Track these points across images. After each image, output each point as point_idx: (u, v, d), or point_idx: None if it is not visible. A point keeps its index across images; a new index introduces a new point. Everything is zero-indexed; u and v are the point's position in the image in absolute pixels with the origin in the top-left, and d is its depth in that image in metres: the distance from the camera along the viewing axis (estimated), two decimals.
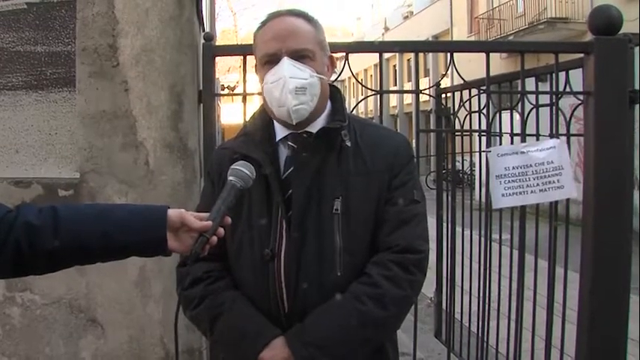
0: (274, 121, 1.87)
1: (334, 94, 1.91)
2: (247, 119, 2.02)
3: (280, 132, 1.86)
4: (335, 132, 1.80)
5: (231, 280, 1.85)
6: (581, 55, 2.86)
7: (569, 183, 2.80)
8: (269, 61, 1.79)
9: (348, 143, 1.81)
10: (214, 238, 1.56)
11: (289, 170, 1.81)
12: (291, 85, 1.73)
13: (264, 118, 1.88)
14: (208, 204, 1.84)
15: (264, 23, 1.84)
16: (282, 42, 1.76)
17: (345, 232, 1.76)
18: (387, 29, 41.03)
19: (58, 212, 1.49)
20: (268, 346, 1.71)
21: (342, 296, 1.73)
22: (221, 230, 1.58)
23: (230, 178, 1.63)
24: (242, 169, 1.64)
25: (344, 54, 2.84)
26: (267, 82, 1.79)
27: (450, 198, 4.27)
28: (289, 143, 1.85)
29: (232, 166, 1.65)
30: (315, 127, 1.83)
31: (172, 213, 1.54)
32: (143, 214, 1.55)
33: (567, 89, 2.91)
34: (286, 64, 1.75)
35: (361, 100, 3.36)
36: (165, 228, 1.52)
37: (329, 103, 1.90)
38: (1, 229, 1.43)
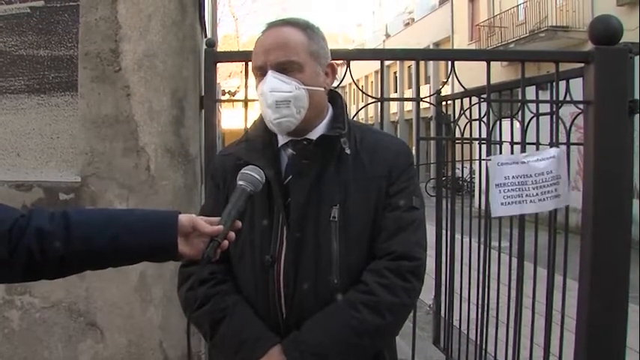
0: None
1: (335, 100, 1.92)
2: (249, 125, 2.02)
3: (281, 138, 1.87)
4: (334, 139, 1.80)
5: (233, 284, 1.85)
6: (582, 64, 2.87)
7: (565, 192, 2.82)
8: (258, 74, 1.81)
9: (348, 151, 1.80)
10: (225, 242, 1.56)
11: (290, 177, 1.82)
12: (270, 99, 1.74)
13: (266, 125, 1.89)
14: (212, 208, 1.86)
15: (261, 34, 1.85)
16: (267, 55, 1.77)
17: (342, 240, 1.76)
18: (388, 36, 41.09)
19: (69, 217, 1.49)
20: (266, 353, 1.72)
21: (338, 304, 1.74)
22: (232, 234, 1.58)
23: (240, 182, 1.64)
24: (252, 173, 1.65)
25: (345, 61, 2.85)
26: (257, 94, 1.82)
27: (449, 205, 4.28)
28: (290, 150, 1.85)
29: (242, 171, 1.66)
30: (315, 134, 1.83)
31: (183, 218, 1.54)
32: (154, 219, 1.55)
33: (567, 98, 2.92)
34: (268, 78, 1.76)
35: (362, 108, 3.37)
36: (176, 233, 1.52)
37: (330, 109, 1.90)
38: (13, 235, 1.43)
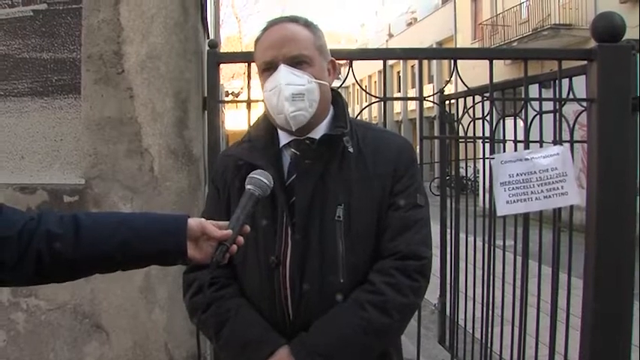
0: (277, 128, 1.87)
1: (336, 99, 1.92)
2: (251, 125, 2.02)
3: (283, 138, 1.87)
4: (337, 139, 1.80)
5: (237, 288, 1.85)
6: (585, 61, 2.86)
7: (573, 189, 2.81)
8: (267, 69, 1.80)
9: (351, 149, 1.80)
10: (234, 247, 1.56)
11: (292, 177, 1.81)
12: (287, 92, 1.74)
13: (268, 125, 1.88)
14: (214, 211, 1.86)
15: (263, 31, 1.85)
16: (278, 49, 1.77)
17: (347, 239, 1.76)
18: (391, 36, 41.14)
19: (79, 221, 1.48)
20: (273, 355, 1.71)
21: (346, 304, 1.73)
22: (240, 239, 1.58)
23: (248, 186, 1.63)
24: (260, 177, 1.64)
25: (348, 61, 2.85)
26: (266, 89, 1.80)
27: (453, 204, 4.27)
28: (292, 150, 1.85)
29: (250, 175, 1.65)
30: (317, 133, 1.83)
31: (192, 222, 1.54)
32: (163, 223, 1.54)
33: (571, 96, 2.92)
34: (282, 72, 1.75)
35: (365, 107, 3.37)
36: (185, 237, 1.52)
37: (332, 109, 1.90)
38: (23, 238, 1.43)
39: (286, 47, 1.77)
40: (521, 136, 3.11)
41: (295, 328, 1.76)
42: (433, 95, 3.79)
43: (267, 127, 1.88)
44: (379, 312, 1.70)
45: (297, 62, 1.77)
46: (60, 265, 1.47)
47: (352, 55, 2.91)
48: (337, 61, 1.96)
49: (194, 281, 1.85)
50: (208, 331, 1.84)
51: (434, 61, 28.04)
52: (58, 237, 1.45)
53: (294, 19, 1.85)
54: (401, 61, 32.85)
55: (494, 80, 2.99)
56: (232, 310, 1.79)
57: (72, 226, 1.48)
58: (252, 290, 1.83)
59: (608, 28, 2.78)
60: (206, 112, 2.80)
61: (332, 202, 1.77)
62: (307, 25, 1.85)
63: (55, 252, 1.44)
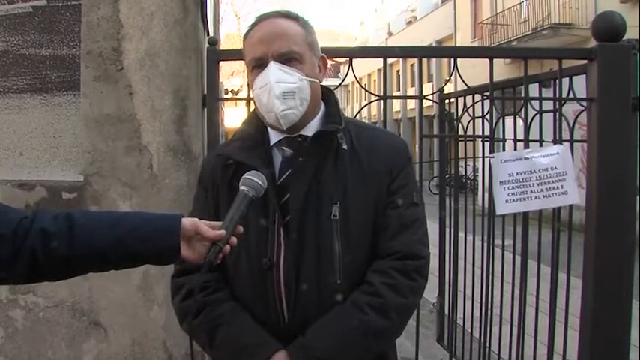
0: (268, 126, 1.84)
1: (328, 97, 1.88)
2: (242, 122, 1.97)
3: (274, 136, 1.83)
4: (331, 135, 1.77)
5: (228, 292, 1.82)
6: (585, 61, 2.86)
7: (573, 189, 2.81)
8: (256, 66, 1.77)
9: (345, 146, 1.78)
10: (227, 247, 1.56)
11: (285, 175, 1.78)
12: (277, 90, 1.70)
13: (258, 122, 1.85)
14: (201, 211, 1.82)
15: (252, 26, 1.81)
16: (268, 45, 1.74)
17: (343, 238, 1.73)
18: (390, 34, 41.16)
19: (73, 219, 1.49)
20: (270, 359, 1.69)
21: (344, 306, 1.71)
22: (234, 239, 1.58)
23: (242, 187, 1.62)
24: (254, 178, 1.63)
25: (347, 59, 2.85)
26: (255, 87, 1.77)
27: (452, 203, 4.27)
28: (284, 148, 1.82)
29: (244, 176, 1.64)
30: (309, 131, 1.80)
31: (186, 222, 1.54)
32: (157, 223, 1.55)
33: (570, 95, 2.91)
34: (272, 69, 1.72)
35: (365, 105, 3.36)
36: (179, 236, 1.52)
37: (322, 106, 1.87)
38: (17, 236, 1.43)
39: (276, 43, 1.73)
40: (520, 136, 3.10)
41: (290, 330, 1.74)
42: (433, 94, 3.79)
43: (257, 125, 1.85)
44: (378, 314, 1.69)
45: (288, 59, 1.74)
46: (54, 263, 1.47)
47: (352, 54, 2.90)
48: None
49: (182, 285, 1.82)
50: (200, 336, 1.79)
51: (433, 60, 28.11)
52: (53, 235, 1.46)
53: (284, 14, 1.81)
54: (400, 59, 32.87)
55: (494, 79, 2.99)
56: (226, 315, 1.76)
57: (66, 224, 1.48)
58: (245, 293, 1.79)
59: (608, 28, 2.77)
60: (205, 109, 2.80)
61: (327, 201, 1.74)
62: (297, 20, 1.81)
63: (50, 250, 1.45)
